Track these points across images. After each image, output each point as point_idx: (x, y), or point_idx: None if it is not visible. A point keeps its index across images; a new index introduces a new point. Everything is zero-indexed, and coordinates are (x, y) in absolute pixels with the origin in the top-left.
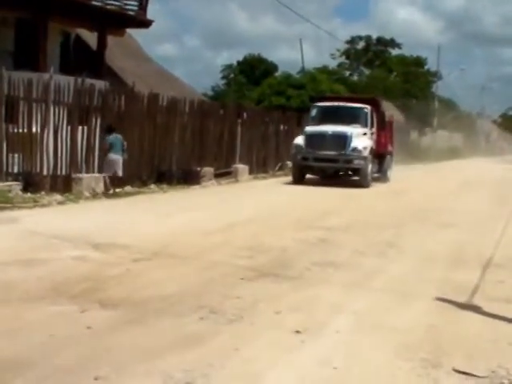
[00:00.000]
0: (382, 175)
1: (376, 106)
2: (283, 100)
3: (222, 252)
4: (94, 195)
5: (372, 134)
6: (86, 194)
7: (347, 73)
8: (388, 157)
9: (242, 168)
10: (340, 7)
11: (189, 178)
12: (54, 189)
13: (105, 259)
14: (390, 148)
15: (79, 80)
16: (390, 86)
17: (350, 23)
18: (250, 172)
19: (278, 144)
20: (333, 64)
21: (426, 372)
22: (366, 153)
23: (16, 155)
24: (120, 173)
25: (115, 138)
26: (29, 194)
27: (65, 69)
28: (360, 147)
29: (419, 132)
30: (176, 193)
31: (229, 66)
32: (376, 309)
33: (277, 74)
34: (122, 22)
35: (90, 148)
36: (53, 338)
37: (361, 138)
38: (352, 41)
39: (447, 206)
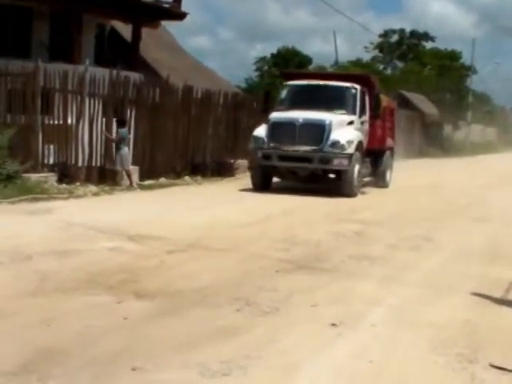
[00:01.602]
0: (378, 178)
1: (369, 86)
2: None
3: (257, 244)
4: (129, 187)
5: (363, 123)
6: (121, 185)
7: (381, 66)
8: (387, 154)
9: None
10: (374, 0)
11: (222, 170)
12: (88, 180)
13: (140, 251)
14: (389, 143)
15: (114, 72)
16: (424, 80)
17: (384, 16)
18: None
19: None
20: (366, 57)
21: (461, 366)
22: (352, 149)
23: (51, 146)
24: (129, 166)
25: (125, 131)
26: (64, 185)
27: (99, 61)
28: (343, 141)
29: (453, 126)
30: (210, 185)
31: (262, 59)
32: (411, 303)
33: (310, 67)
34: (156, 14)
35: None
36: (89, 329)
37: (345, 129)
38: (385, 34)
39: (483, 200)
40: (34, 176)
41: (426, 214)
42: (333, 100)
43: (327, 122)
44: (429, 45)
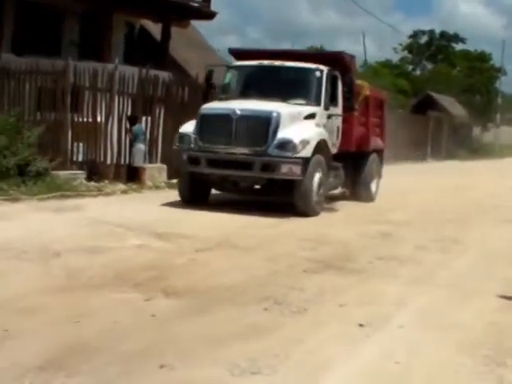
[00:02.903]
0: (358, 189)
1: (342, 68)
2: None
3: (285, 243)
4: (157, 185)
5: (330, 117)
6: (149, 183)
7: (410, 67)
8: (372, 158)
9: None
10: (403, 1)
11: None
12: (117, 178)
13: (168, 248)
14: (375, 143)
15: (143, 71)
16: (453, 81)
17: (413, 17)
18: None
19: None
20: (395, 58)
21: (489, 369)
22: (308, 151)
23: (81, 144)
24: (141, 163)
25: (139, 128)
26: (93, 183)
27: (129, 59)
28: (295, 140)
29: (482, 128)
30: None
31: None
32: (439, 304)
33: None
34: (186, 13)
35: (153, 138)
36: (118, 325)
37: (301, 124)
38: (415, 35)
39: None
40: (62, 173)
41: (454, 216)
42: (290, 86)
43: (274, 115)
44: (458, 46)
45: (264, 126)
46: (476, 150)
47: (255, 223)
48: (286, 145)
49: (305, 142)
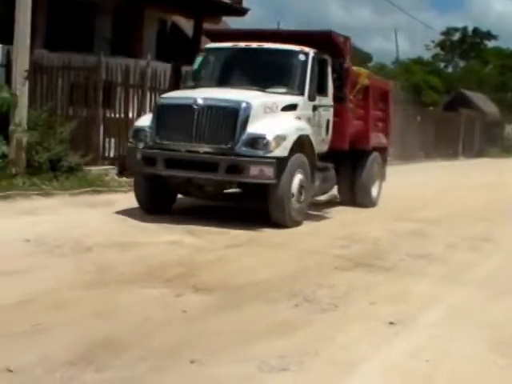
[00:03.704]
0: (355, 193)
1: (333, 51)
2: None
3: (314, 240)
4: None
5: (317, 108)
6: None
7: (442, 64)
8: (372, 157)
9: None
10: None
11: None
12: None
13: (199, 245)
14: (377, 140)
15: (175, 67)
16: (485, 79)
17: (446, 14)
18: None
19: None
20: (427, 55)
21: None
22: (284, 148)
23: (112, 140)
24: None
25: None
26: (124, 178)
27: (161, 55)
28: (268, 136)
29: None
30: None
31: None
32: (469, 303)
33: (371, 65)
34: (218, 9)
35: None
36: (148, 321)
37: (277, 117)
38: (447, 32)
39: None
40: (94, 169)
41: (485, 214)
42: (269, 72)
43: (243, 106)
44: (491, 43)
45: (231, 118)
46: (508, 148)
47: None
48: (256, 141)
49: (280, 138)
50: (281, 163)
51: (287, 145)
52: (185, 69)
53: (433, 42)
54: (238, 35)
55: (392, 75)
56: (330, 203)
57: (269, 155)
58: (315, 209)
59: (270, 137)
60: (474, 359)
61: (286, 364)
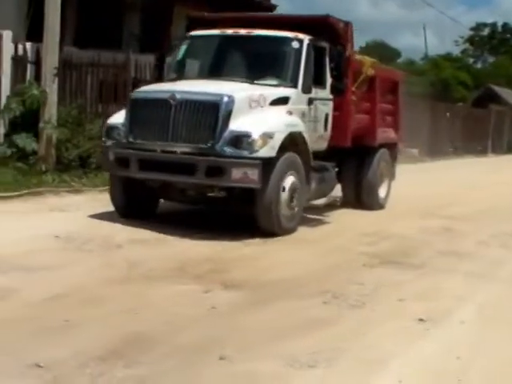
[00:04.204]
0: (362, 195)
1: (334, 38)
2: (405, 87)
3: (343, 237)
4: None
5: (312, 102)
6: None
7: (471, 60)
8: (380, 155)
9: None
10: None
11: None
12: None
13: (228, 241)
14: (386, 136)
15: None
16: None
17: (475, 9)
18: None
19: None
20: (456, 51)
21: None
22: (271, 148)
23: None
24: None
25: None
26: None
27: None
28: (253, 133)
29: None
30: None
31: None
32: (500, 300)
33: (399, 61)
34: (247, 6)
35: None
36: (177, 317)
37: (264, 112)
38: (477, 28)
39: None
40: None
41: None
42: (259, 62)
43: (224, 100)
44: None
45: (211, 114)
46: None
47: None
48: (239, 140)
49: (267, 136)
50: (268, 165)
51: (275, 143)
52: (168, 59)
53: (462, 37)
54: (227, 21)
55: (421, 71)
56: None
57: (254, 156)
58: (338, 208)
59: (255, 135)
60: (505, 356)
61: (314, 361)
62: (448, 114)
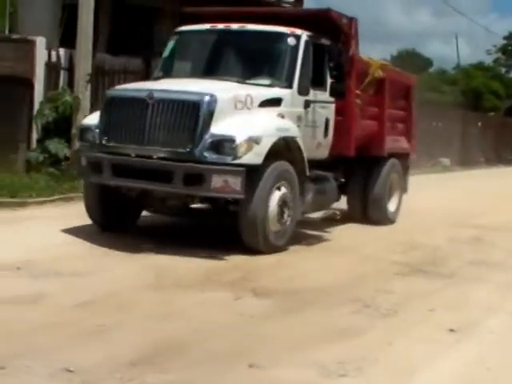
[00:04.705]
0: (369, 208)
1: (336, 35)
2: (436, 96)
3: (373, 247)
4: None
5: (309, 104)
6: None
7: (503, 69)
8: (389, 165)
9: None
10: (497, 1)
11: None
12: None
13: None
14: (397, 145)
15: None
16: None
17: (507, 18)
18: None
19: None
20: (488, 60)
21: None
22: (258, 154)
23: None
24: None
25: None
26: None
27: None
28: (237, 137)
29: None
30: None
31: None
32: None
33: (431, 70)
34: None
35: None
36: (207, 324)
37: (251, 114)
38: (510, 36)
39: None
40: None
41: None
42: (252, 59)
43: (206, 100)
44: None
45: (191, 115)
46: None
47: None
48: (221, 145)
49: (252, 141)
50: (253, 173)
51: (262, 149)
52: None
53: (494, 46)
54: (223, 15)
55: (452, 80)
56: None
57: (236, 162)
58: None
59: (238, 139)
60: None
61: (345, 370)
62: (479, 123)
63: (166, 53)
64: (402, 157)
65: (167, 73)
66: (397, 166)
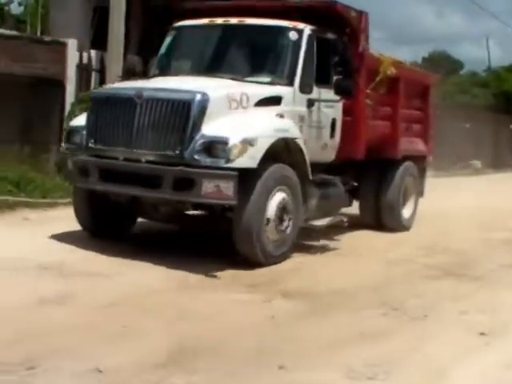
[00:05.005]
0: (381, 214)
1: (344, 28)
2: (467, 98)
3: (402, 249)
4: None
5: (313, 103)
6: None
7: None
8: (403, 169)
9: None
10: None
11: None
12: None
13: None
14: (407, 146)
15: None
16: None
17: None
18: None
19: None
20: None
21: None
22: (253, 157)
23: None
24: None
25: None
26: None
27: None
28: (230, 139)
29: None
30: None
31: (412, 63)
32: None
33: (462, 72)
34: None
35: None
36: (236, 325)
37: (246, 114)
38: None
39: None
40: None
41: None
42: (252, 55)
43: (197, 98)
44: None
45: (181, 115)
46: None
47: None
48: (213, 147)
49: (247, 143)
50: (248, 177)
51: (257, 152)
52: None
53: None
54: (226, 10)
55: (483, 83)
56: None
57: (229, 165)
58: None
59: (231, 140)
60: None
61: (373, 372)
62: (511, 126)
63: (162, 49)
64: (418, 159)
65: (163, 70)
66: (412, 169)
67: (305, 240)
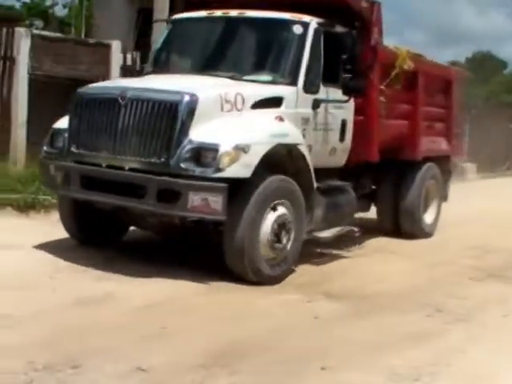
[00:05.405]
0: (402, 219)
1: (354, 20)
2: None
3: (447, 250)
4: None
5: (319, 104)
6: None
7: None
8: (424, 171)
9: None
10: None
11: None
12: None
13: (325, 252)
14: (429, 146)
15: None
16: None
17: None
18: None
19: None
20: None
21: None
22: (246, 166)
23: None
24: None
25: None
26: None
27: None
28: (221, 146)
29: None
30: None
31: (454, 63)
32: None
33: (506, 72)
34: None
35: None
36: (280, 326)
37: (241, 117)
38: None
39: None
40: None
41: None
42: (252, 52)
43: (185, 100)
44: None
45: (167, 118)
46: None
47: None
48: (202, 154)
49: (239, 150)
50: (241, 189)
51: (252, 160)
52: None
53: None
54: (226, 1)
55: None
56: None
57: (219, 175)
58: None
59: (222, 147)
60: None
61: (417, 374)
62: None
63: (157, 44)
64: (442, 160)
65: (158, 67)
66: (434, 170)
67: (346, 242)
